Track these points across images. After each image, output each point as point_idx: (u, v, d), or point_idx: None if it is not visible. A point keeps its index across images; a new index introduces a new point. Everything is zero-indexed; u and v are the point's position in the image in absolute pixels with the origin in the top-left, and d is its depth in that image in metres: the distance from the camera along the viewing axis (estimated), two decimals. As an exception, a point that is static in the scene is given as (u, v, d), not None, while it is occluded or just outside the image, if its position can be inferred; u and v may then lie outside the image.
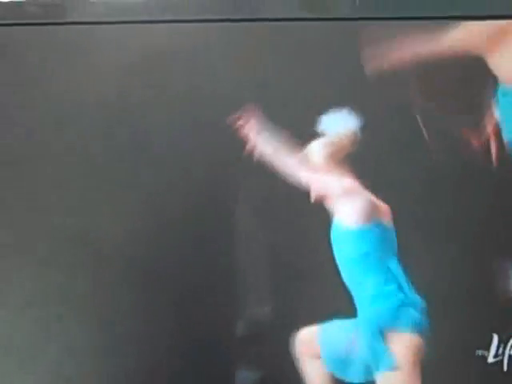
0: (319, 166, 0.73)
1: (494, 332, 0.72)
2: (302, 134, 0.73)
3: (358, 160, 0.72)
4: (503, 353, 0.73)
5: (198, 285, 0.74)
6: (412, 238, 0.72)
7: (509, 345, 0.73)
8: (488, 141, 0.71)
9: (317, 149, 0.72)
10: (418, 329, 0.72)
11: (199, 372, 0.74)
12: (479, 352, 0.73)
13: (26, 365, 0.74)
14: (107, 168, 0.74)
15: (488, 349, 0.73)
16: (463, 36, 0.71)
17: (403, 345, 0.72)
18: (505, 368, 0.73)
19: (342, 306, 0.72)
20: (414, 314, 0.72)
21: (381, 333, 0.72)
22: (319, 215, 0.72)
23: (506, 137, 0.71)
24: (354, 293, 0.72)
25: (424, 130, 0.71)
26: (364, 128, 0.72)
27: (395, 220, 0.72)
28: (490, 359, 0.73)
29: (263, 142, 0.72)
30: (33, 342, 0.74)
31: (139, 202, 0.74)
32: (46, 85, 0.74)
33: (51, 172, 0.74)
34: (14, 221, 0.74)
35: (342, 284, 0.72)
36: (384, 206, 0.72)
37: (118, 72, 0.74)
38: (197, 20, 0.74)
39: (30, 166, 0.74)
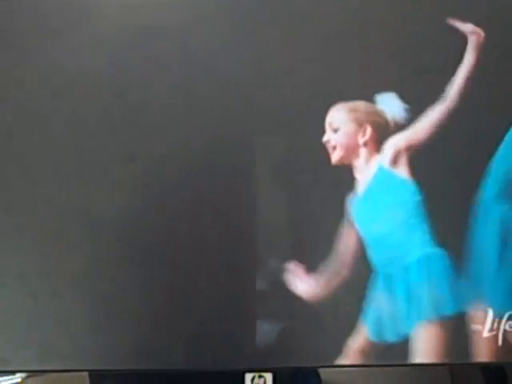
0: None
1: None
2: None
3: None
4: (498, 328, 0.73)
5: (194, 264, 0.73)
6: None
7: (504, 319, 0.73)
8: None
9: None
10: None
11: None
12: (474, 326, 0.73)
13: (20, 339, 0.72)
14: (104, 143, 0.73)
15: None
16: None
17: None
18: (500, 342, 0.73)
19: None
20: None
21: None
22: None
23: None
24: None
25: None
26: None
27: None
28: (485, 334, 0.73)
29: None
30: (27, 316, 0.72)
31: (136, 178, 0.73)
32: (43, 57, 0.73)
33: (48, 148, 0.72)
34: (10, 196, 0.72)
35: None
36: None
37: (115, 44, 0.73)
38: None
39: (26, 141, 0.72)
